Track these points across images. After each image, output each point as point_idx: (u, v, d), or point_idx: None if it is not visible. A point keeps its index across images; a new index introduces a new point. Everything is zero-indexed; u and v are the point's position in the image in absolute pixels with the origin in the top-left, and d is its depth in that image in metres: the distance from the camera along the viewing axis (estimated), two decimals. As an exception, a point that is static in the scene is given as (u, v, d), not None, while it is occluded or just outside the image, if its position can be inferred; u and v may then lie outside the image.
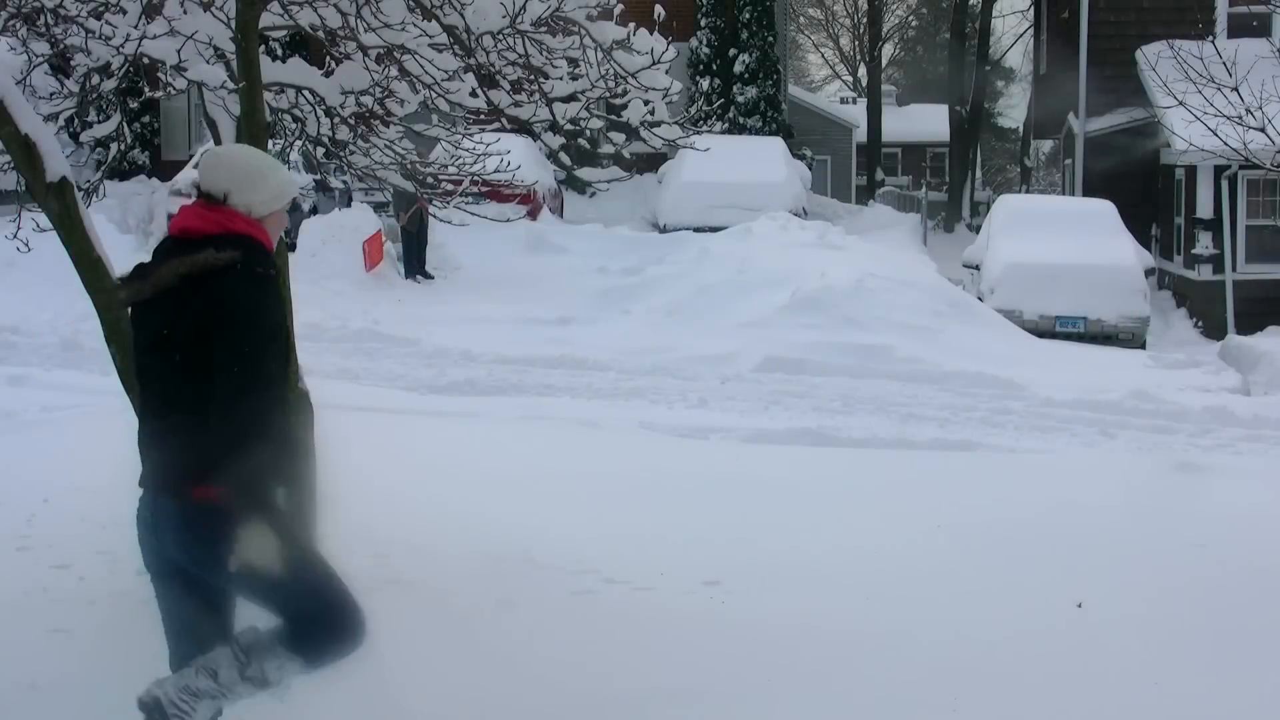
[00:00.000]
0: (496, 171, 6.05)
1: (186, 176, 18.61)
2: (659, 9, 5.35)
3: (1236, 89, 7.35)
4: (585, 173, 25.09)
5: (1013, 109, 52.10)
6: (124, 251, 16.62)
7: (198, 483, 3.38)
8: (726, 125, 25.67)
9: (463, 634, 5.02)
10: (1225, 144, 7.57)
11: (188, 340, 3.39)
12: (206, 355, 3.36)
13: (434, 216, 12.19)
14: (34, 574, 5.45)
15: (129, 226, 19.15)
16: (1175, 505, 7.28)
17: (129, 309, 3.62)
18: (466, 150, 6.22)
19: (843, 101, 48.94)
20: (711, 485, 7.50)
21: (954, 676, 4.78)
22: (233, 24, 4.90)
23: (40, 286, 14.09)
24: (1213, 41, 8.17)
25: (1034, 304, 16.19)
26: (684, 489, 7.41)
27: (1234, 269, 19.03)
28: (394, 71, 5.53)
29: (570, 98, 5.39)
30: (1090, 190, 22.48)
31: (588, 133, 5.78)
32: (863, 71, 49.40)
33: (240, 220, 3.54)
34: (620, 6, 5.34)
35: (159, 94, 5.76)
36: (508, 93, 5.49)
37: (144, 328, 3.54)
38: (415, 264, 16.99)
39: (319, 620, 3.53)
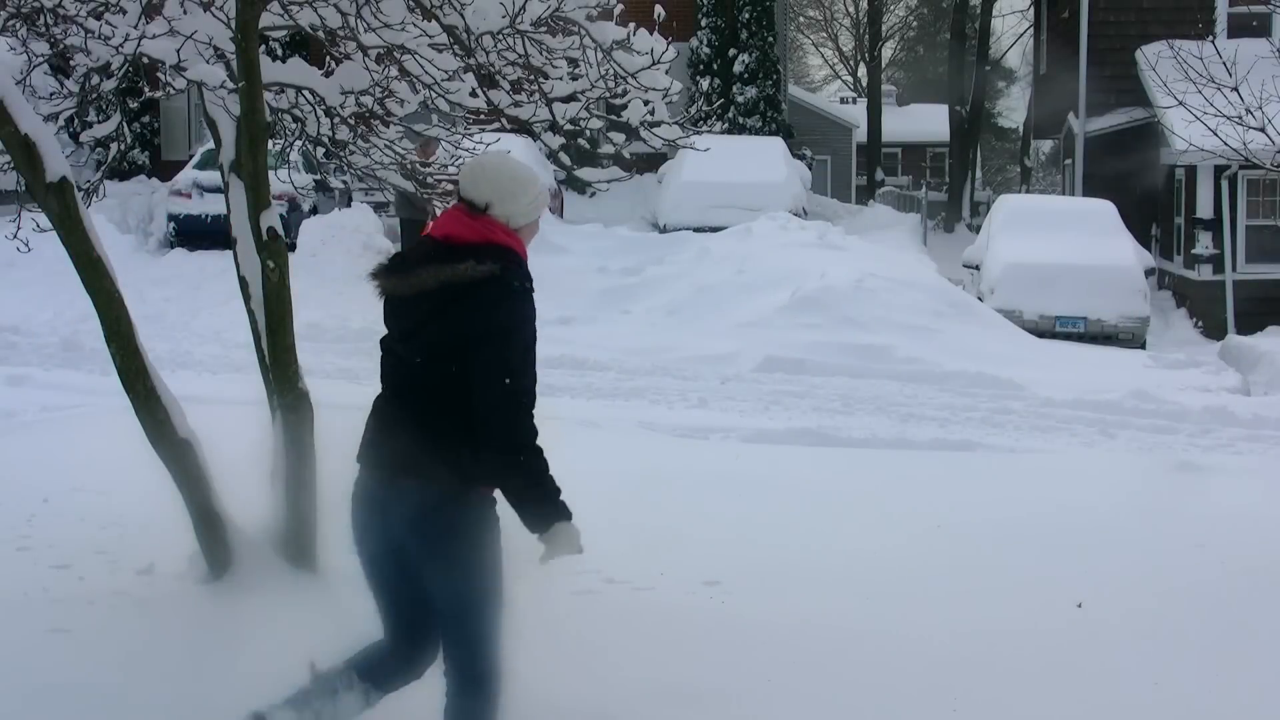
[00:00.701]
0: (496, 171, 6.04)
1: (187, 176, 18.60)
2: (659, 9, 5.35)
3: (1236, 89, 7.35)
4: (585, 173, 25.08)
5: (1013, 109, 52.10)
6: (124, 251, 16.66)
7: (424, 472, 3.55)
8: (726, 125, 25.66)
9: (463, 634, 5.01)
10: (1225, 144, 7.57)
11: (442, 343, 3.56)
12: (458, 358, 3.53)
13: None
14: (34, 574, 5.45)
15: (129, 226, 19.15)
16: (1175, 505, 7.29)
17: (384, 297, 3.74)
18: (466, 150, 6.21)
19: (843, 101, 48.93)
20: (711, 485, 7.50)
21: (954, 676, 4.78)
22: (233, 24, 4.90)
23: (40, 286, 14.11)
24: (1213, 41, 8.18)
25: (1034, 304, 16.19)
26: (684, 489, 7.41)
27: (1234, 269, 19.03)
28: (394, 71, 5.53)
29: (570, 98, 5.39)
30: (1090, 190, 22.48)
31: (588, 133, 5.77)
32: (863, 71, 49.40)
33: (500, 231, 3.66)
34: (620, 6, 5.34)
35: (159, 94, 5.76)
36: (508, 93, 5.49)
37: (398, 319, 3.69)
38: None
39: (485, 683, 3.75)
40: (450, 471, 3.57)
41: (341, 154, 6.02)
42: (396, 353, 3.70)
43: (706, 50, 26.88)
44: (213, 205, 16.85)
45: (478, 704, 3.74)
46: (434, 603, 3.73)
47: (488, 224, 3.64)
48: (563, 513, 3.70)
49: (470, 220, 3.64)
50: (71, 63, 5.57)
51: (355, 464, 3.80)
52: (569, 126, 5.53)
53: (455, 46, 5.17)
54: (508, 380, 3.54)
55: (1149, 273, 17.55)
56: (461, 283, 3.53)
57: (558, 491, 3.69)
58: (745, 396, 10.89)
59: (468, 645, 3.74)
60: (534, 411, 3.65)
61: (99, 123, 6.34)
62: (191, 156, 20.30)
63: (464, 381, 3.54)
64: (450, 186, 6.51)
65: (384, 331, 3.76)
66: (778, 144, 22.67)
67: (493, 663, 3.76)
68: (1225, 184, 18.82)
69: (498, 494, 3.69)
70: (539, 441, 3.64)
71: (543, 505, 3.66)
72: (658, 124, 5.44)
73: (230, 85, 4.97)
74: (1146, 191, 21.88)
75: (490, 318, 3.53)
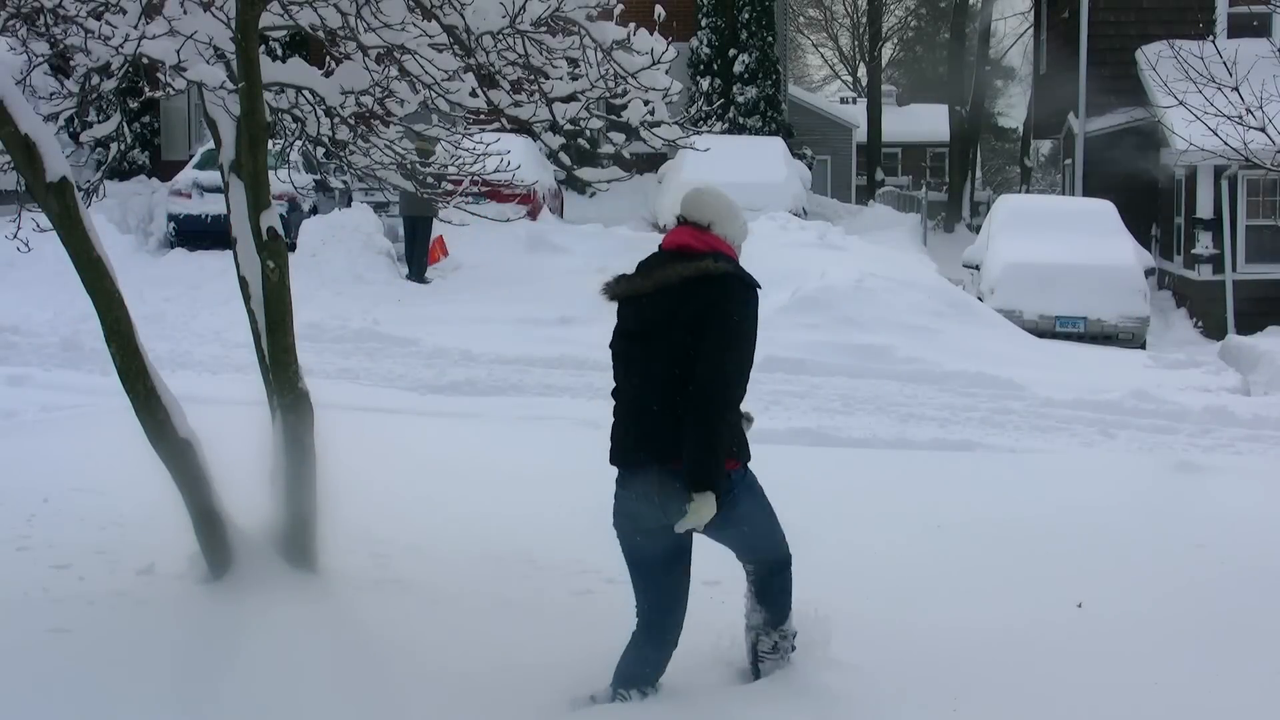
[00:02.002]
0: (496, 171, 6.05)
1: (187, 176, 18.60)
2: (659, 9, 5.35)
3: (1237, 89, 7.35)
4: (585, 173, 25.07)
5: (1013, 109, 52.11)
6: (124, 251, 16.65)
7: (676, 456, 4.10)
8: (726, 125, 25.65)
9: (462, 634, 5.02)
10: (1225, 144, 7.57)
11: (679, 329, 4.11)
12: (691, 344, 4.09)
13: (440, 219, 12.17)
14: (34, 574, 5.44)
15: (129, 226, 19.14)
16: (1175, 505, 7.29)
17: (616, 301, 4.33)
18: (466, 150, 6.21)
19: (843, 101, 48.91)
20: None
21: (954, 676, 4.78)
22: (233, 24, 4.90)
23: (40, 286, 14.11)
24: (1213, 41, 8.17)
25: (1034, 304, 16.19)
26: (684, 489, 7.40)
27: (1234, 269, 19.02)
28: (394, 71, 5.53)
29: (570, 98, 5.38)
30: (1090, 190, 22.47)
31: (588, 133, 5.80)
32: (863, 71, 49.40)
33: (724, 245, 4.31)
34: (620, 6, 5.34)
35: (159, 94, 5.75)
36: (508, 93, 5.49)
37: (631, 318, 4.29)
38: (415, 267, 17.00)
39: (775, 553, 4.54)
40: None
41: (341, 154, 6.02)
42: (638, 354, 4.25)
43: (706, 50, 26.87)
44: (213, 205, 16.85)
45: (778, 577, 4.58)
46: (722, 542, 4.44)
47: (714, 239, 4.29)
48: (709, 484, 4.12)
49: (700, 235, 4.29)
50: (71, 63, 5.57)
51: (610, 464, 4.36)
52: (569, 126, 5.53)
53: (455, 46, 5.17)
54: (727, 361, 4.11)
55: (1149, 273, 17.54)
56: (701, 276, 4.13)
57: (722, 469, 4.15)
58: (745, 396, 10.87)
59: (764, 548, 4.51)
60: (740, 398, 4.23)
61: (99, 123, 6.34)
62: (191, 156, 20.28)
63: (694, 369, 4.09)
64: (451, 186, 6.52)
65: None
66: (778, 144, 22.66)
67: (781, 549, 4.55)
68: (1225, 184, 18.82)
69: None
70: (735, 422, 4.25)
71: (700, 470, 4.10)
72: (658, 124, 5.44)
73: (230, 85, 4.97)
74: (1146, 191, 21.88)
75: (725, 303, 4.13)
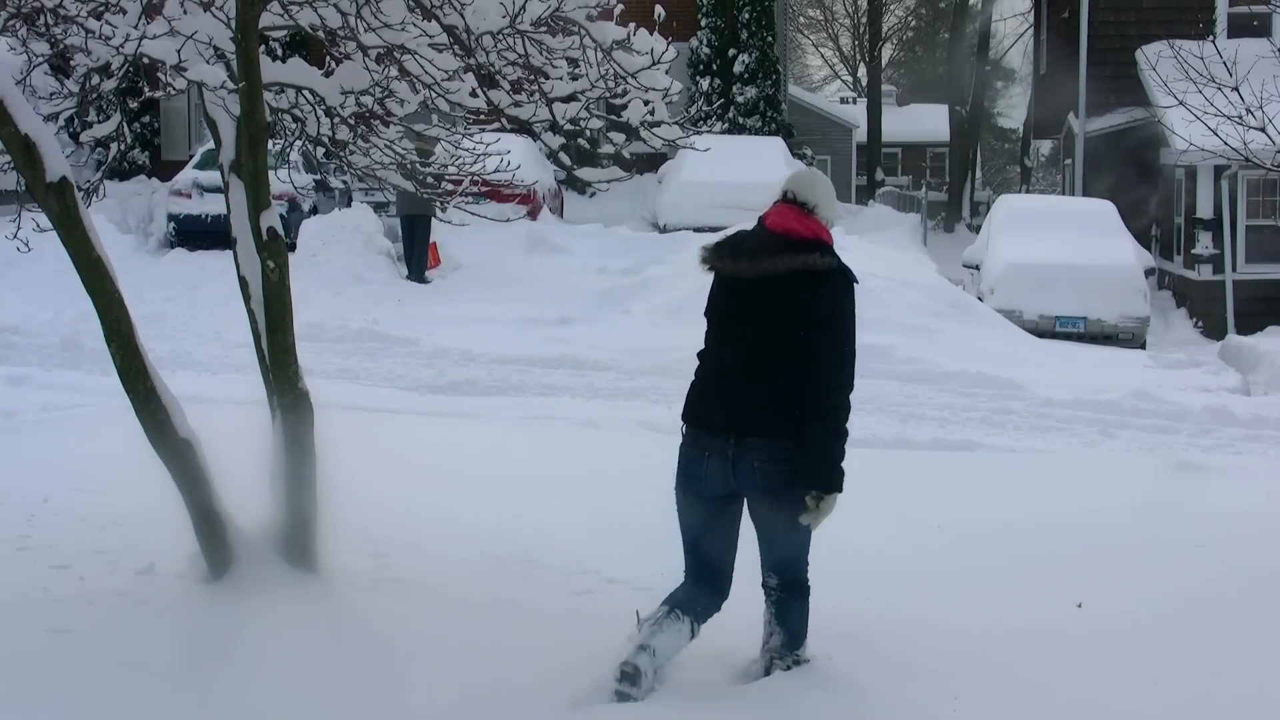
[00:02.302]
0: (496, 171, 6.05)
1: (187, 176, 18.59)
2: (659, 9, 5.35)
3: (1237, 89, 7.35)
4: (585, 173, 25.06)
5: (1013, 109, 52.11)
6: (124, 251, 16.65)
7: (773, 431, 4.29)
8: (726, 125, 25.64)
9: (463, 634, 5.02)
10: (1225, 144, 7.57)
11: (782, 317, 4.32)
12: (799, 334, 4.30)
13: (439, 218, 12.15)
14: (34, 574, 5.44)
15: (129, 226, 19.14)
16: (1175, 505, 7.29)
17: (717, 275, 4.54)
18: (466, 150, 6.21)
19: (843, 101, 48.90)
20: (711, 485, 7.49)
21: (953, 675, 4.78)
22: (233, 24, 4.90)
23: (40, 286, 14.11)
24: (1213, 41, 8.18)
25: (1034, 304, 16.18)
26: (684, 489, 7.40)
27: (1234, 269, 19.02)
28: (394, 71, 5.52)
29: (570, 98, 5.38)
30: (1090, 190, 22.47)
31: (588, 133, 5.79)
32: (863, 71, 49.38)
33: (824, 230, 4.49)
34: (620, 6, 5.34)
35: (159, 94, 5.75)
36: (508, 93, 5.49)
37: (736, 297, 4.47)
38: (415, 267, 17.01)
39: (798, 572, 4.62)
40: (790, 430, 4.29)
41: (341, 154, 6.02)
42: (735, 328, 4.45)
43: (706, 50, 26.87)
44: (213, 205, 16.85)
45: (800, 601, 4.63)
46: (760, 530, 4.52)
47: (817, 224, 4.47)
48: (840, 485, 4.33)
49: (804, 218, 4.45)
50: (71, 63, 5.57)
51: (683, 422, 4.56)
52: (569, 126, 5.53)
53: (455, 46, 5.17)
54: (842, 359, 4.35)
55: (1149, 273, 17.54)
56: (807, 271, 4.31)
57: (842, 470, 4.34)
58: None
59: (793, 561, 4.58)
60: (851, 383, 4.41)
61: (99, 123, 6.34)
62: (191, 156, 20.28)
63: (800, 353, 4.30)
64: (451, 186, 6.52)
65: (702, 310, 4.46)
66: (778, 144, 22.66)
67: (806, 571, 4.63)
68: (1225, 184, 18.81)
69: None
70: (848, 409, 4.38)
71: (834, 471, 4.32)
72: (658, 124, 5.44)
73: (230, 85, 4.96)
74: (1146, 191, 21.88)
75: (832, 304, 4.34)
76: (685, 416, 4.57)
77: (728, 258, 4.52)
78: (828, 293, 4.34)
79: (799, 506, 4.33)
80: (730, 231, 4.70)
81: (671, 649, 4.44)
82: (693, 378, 4.62)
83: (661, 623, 4.45)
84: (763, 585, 4.67)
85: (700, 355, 4.63)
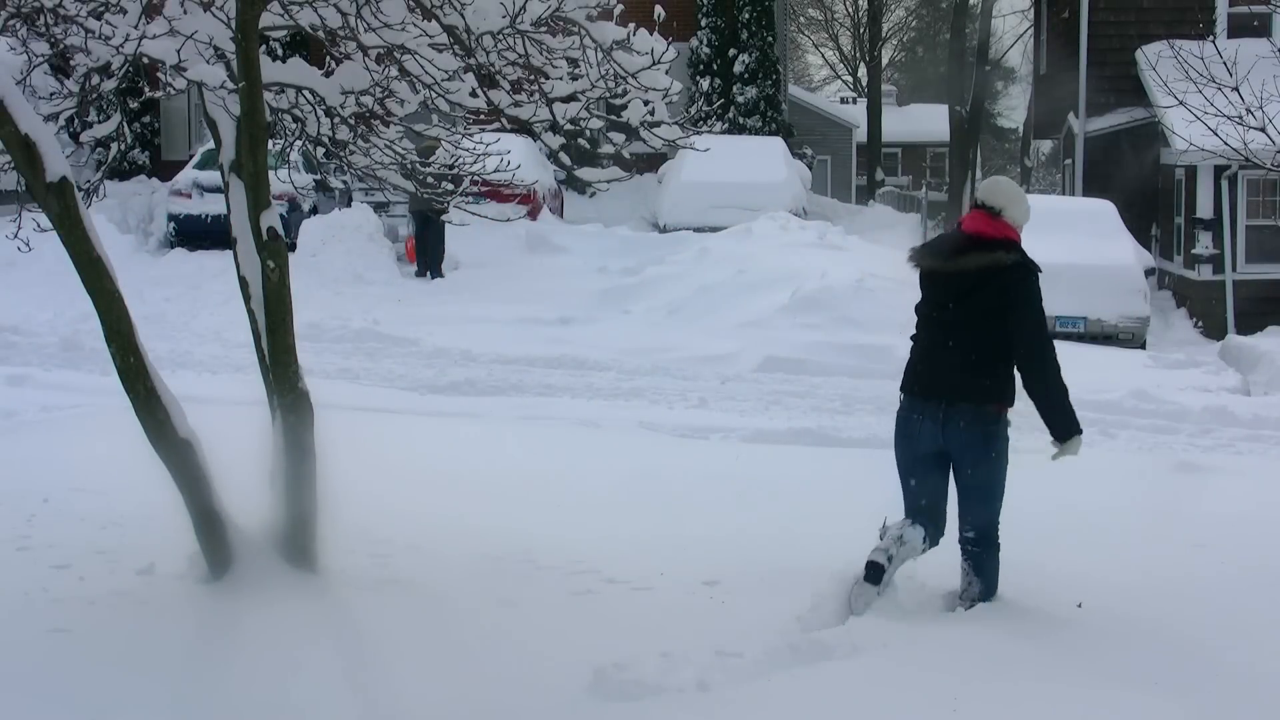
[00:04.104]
0: (496, 171, 6.05)
1: (187, 176, 18.60)
2: (659, 9, 5.35)
3: (1237, 89, 7.36)
4: (585, 173, 24.89)
5: (1013, 109, 52.05)
6: (124, 251, 16.65)
7: (977, 397, 5.23)
8: (726, 125, 25.61)
9: (463, 634, 5.02)
10: (1225, 144, 7.57)
11: (975, 307, 5.20)
12: (991, 320, 5.18)
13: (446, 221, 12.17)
14: (34, 574, 5.44)
15: (129, 226, 19.14)
16: (1175, 505, 7.28)
17: (922, 271, 5.40)
18: (466, 150, 6.21)
19: (843, 101, 48.88)
20: (711, 485, 7.50)
21: (953, 675, 4.78)
22: (233, 24, 4.90)
23: (40, 286, 14.11)
24: (1213, 41, 8.18)
25: (1034, 304, 16.15)
26: (684, 489, 7.41)
27: (1234, 269, 19.01)
28: (394, 71, 5.53)
29: (570, 98, 5.38)
30: (1090, 190, 22.45)
31: (588, 133, 5.79)
32: (863, 71, 49.36)
33: (1012, 231, 5.30)
34: (620, 6, 5.34)
35: (159, 94, 5.75)
36: (508, 93, 5.49)
37: (938, 289, 5.34)
38: (430, 263, 17.02)
39: (991, 512, 5.42)
40: (986, 396, 5.25)
41: (341, 154, 6.02)
42: (938, 316, 5.32)
43: (706, 50, 26.85)
44: (213, 205, 16.85)
45: (993, 555, 5.45)
46: (961, 484, 5.40)
47: (1004, 225, 5.28)
48: (1075, 427, 5.28)
49: (992, 221, 5.27)
50: (71, 63, 5.57)
51: (900, 393, 5.47)
52: (569, 126, 5.53)
53: (455, 46, 5.17)
54: (1036, 336, 5.21)
55: (1149, 273, 17.51)
56: (996, 267, 5.17)
57: (1073, 409, 5.25)
58: (745, 396, 10.88)
59: (987, 512, 5.40)
60: (1054, 357, 5.24)
61: (99, 123, 6.34)
62: (191, 156, 20.27)
63: (993, 335, 5.19)
64: (451, 186, 6.52)
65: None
66: (778, 144, 22.64)
67: (997, 529, 5.44)
68: (1225, 184, 18.79)
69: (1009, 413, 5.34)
70: (1058, 376, 5.23)
71: (1066, 418, 5.25)
72: (658, 124, 5.44)
73: (230, 85, 4.96)
74: (1146, 191, 21.86)
75: (1017, 292, 5.18)
76: (903, 388, 5.47)
77: (929, 256, 5.40)
78: (1012, 284, 5.19)
79: (990, 457, 5.30)
80: (933, 235, 5.53)
81: (906, 556, 5.37)
82: (909, 356, 5.50)
83: (903, 532, 5.36)
84: (960, 541, 5.49)
85: (913, 338, 5.50)
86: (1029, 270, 5.24)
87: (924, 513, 5.45)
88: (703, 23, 26.86)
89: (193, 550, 5.21)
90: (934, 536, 5.48)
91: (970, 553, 5.48)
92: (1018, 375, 5.33)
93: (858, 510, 7.06)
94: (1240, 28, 16.78)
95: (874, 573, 5.25)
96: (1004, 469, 5.38)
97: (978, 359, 5.23)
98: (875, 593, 5.24)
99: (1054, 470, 6.35)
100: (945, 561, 5.55)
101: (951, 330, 5.27)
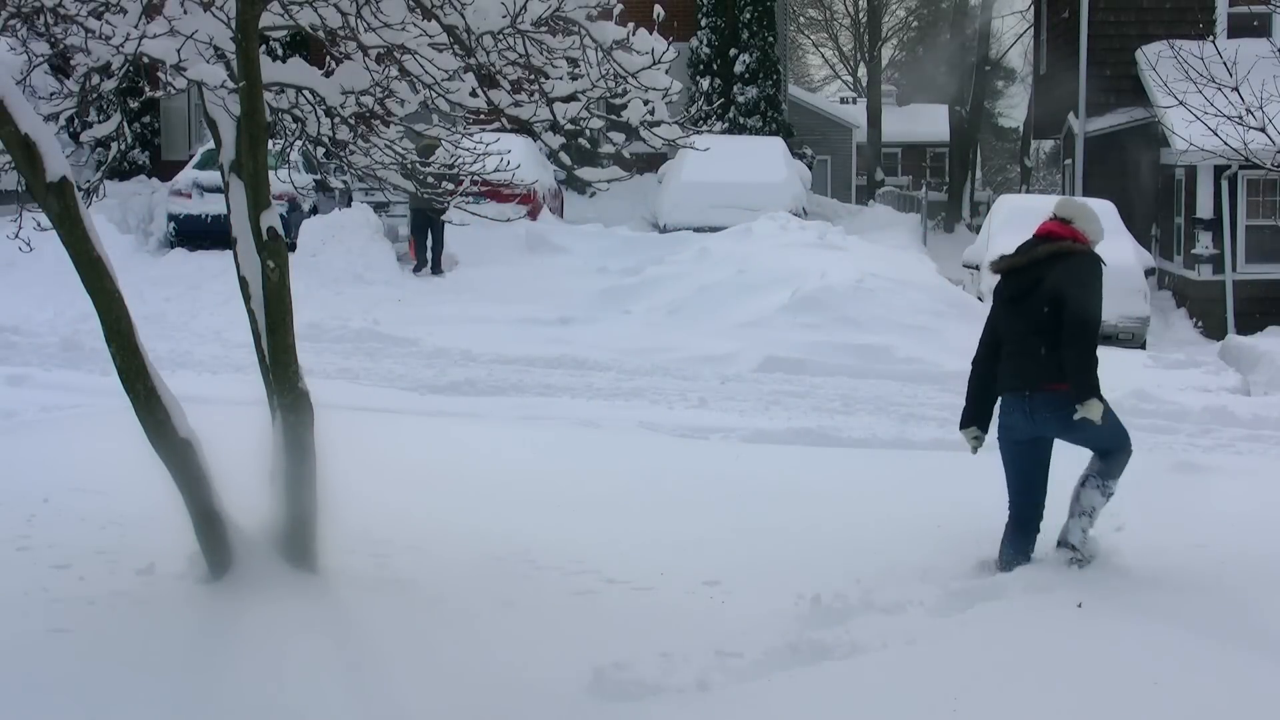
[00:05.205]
0: (496, 171, 6.05)
1: (187, 176, 18.59)
2: (659, 9, 5.34)
3: (1237, 89, 7.36)
4: (585, 173, 24.94)
5: (1013, 109, 52.08)
6: (124, 251, 16.65)
7: (1053, 381, 5.73)
8: (726, 125, 25.60)
9: (463, 634, 5.02)
10: (1225, 144, 7.57)
11: (1045, 292, 5.73)
12: (1056, 304, 5.68)
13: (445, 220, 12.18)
14: (34, 574, 5.44)
15: (129, 226, 19.13)
16: (1175, 505, 7.28)
17: (1001, 274, 6.04)
18: (466, 150, 6.21)
19: (843, 101, 48.88)
20: (711, 485, 7.50)
21: (953, 676, 4.78)
22: (233, 24, 4.90)
23: (40, 286, 14.11)
24: (1213, 41, 8.18)
25: (1034, 304, 16.15)
26: (684, 489, 7.41)
27: (1234, 269, 19.02)
28: (394, 71, 5.52)
29: (570, 98, 5.38)
30: (1090, 190, 22.45)
31: (588, 133, 5.78)
32: (863, 71, 49.37)
33: (1082, 237, 5.94)
34: (620, 6, 5.34)
35: (159, 94, 5.75)
36: (508, 93, 5.49)
37: (1013, 285, 5.94)
38: (432, 259, 17.04)
39: (1120, 446, 5.99)
40: (1062, 378, 5.71)
41: (341, 154, 6.02)
42: (1015, 309, 5.89)
43: (706, 50, 26.85)
44: (213, 205, 16.84)
45: (1123, 456, 6.02)
46: (1080, 443, 6.00)
47: (1075, 232, 5.93)
48: (1098, 393, 5.70)
49: (1064, 227, 5.95)
50: (71, 63, 5.57)
51: (999, 394, 6.01)
52: (569, 126, 5.53)
53: (455, 46, 5.17)
54: (1082, 316, 5.67)
55: (1149, 273, 17.51)
56: (1062, 252, 5.82)
57: (1098, 383, 5.71)
58: (745, 396, 10.88)
59: (1114, 442, 5.99)
60: (1096, 341, 5.73)
61: (99, 123, 6.34)
62: (191, 156, 20.27)
63: (1059, 318, 5.67)
64: (451, 186, 6.53)
65: None
66: (778, 144, 22.63)
67: (1127, 439, 6.02)
68: (1225, 184, 18.80)
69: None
70: (1096, 357, 5.72)
71: (1091, 390, 5.68)
72: (658, 124, 5.44)
73: (230, 85, 4.96)
74: (1146, 191, 21.87)
75: (1078, 273, 5.74)
76: (998, 388, 6.03)
77: (1007, 259, 6.05)
78: (1075, 268, 5.75)
79: (1097, 420, 5.72)
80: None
81: (1093, 513, 6.03)
82: (985, 360, 6.09)
83: (1079, 498, 6.02)
84: (1082, 480, 6.07)
85: (991, 344, 6.06)
86: (1091, 261, 5.83)
87: (1025, 508, 6.04)
88: (703, 23, 26.85)
89: (193, 550, 5.21)
90: (1040, 507, 6.05)
91: (1100, 461, 6.04)
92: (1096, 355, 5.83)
93: (858, 510, 7.09)
94: (1240, 28, 16.79)
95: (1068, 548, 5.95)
96: (1110, 415, 5.85)
97: (1053, 341, 5.72)
98: (1072, 555, 5.94)
99: (1053, 470, 6.37)
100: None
101: (1027, 321, 5.82)
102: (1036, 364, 5.80)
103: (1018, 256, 6.01)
